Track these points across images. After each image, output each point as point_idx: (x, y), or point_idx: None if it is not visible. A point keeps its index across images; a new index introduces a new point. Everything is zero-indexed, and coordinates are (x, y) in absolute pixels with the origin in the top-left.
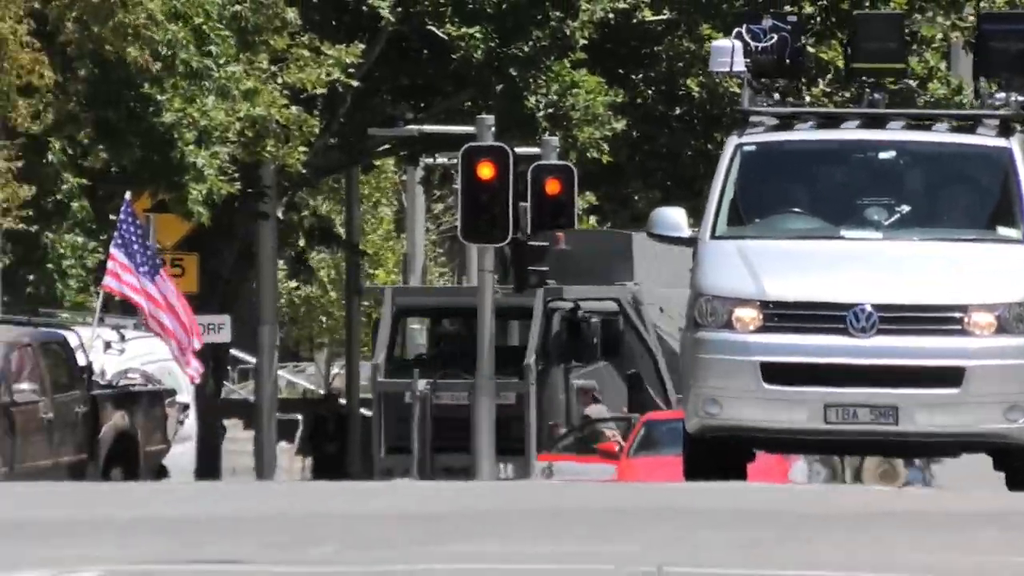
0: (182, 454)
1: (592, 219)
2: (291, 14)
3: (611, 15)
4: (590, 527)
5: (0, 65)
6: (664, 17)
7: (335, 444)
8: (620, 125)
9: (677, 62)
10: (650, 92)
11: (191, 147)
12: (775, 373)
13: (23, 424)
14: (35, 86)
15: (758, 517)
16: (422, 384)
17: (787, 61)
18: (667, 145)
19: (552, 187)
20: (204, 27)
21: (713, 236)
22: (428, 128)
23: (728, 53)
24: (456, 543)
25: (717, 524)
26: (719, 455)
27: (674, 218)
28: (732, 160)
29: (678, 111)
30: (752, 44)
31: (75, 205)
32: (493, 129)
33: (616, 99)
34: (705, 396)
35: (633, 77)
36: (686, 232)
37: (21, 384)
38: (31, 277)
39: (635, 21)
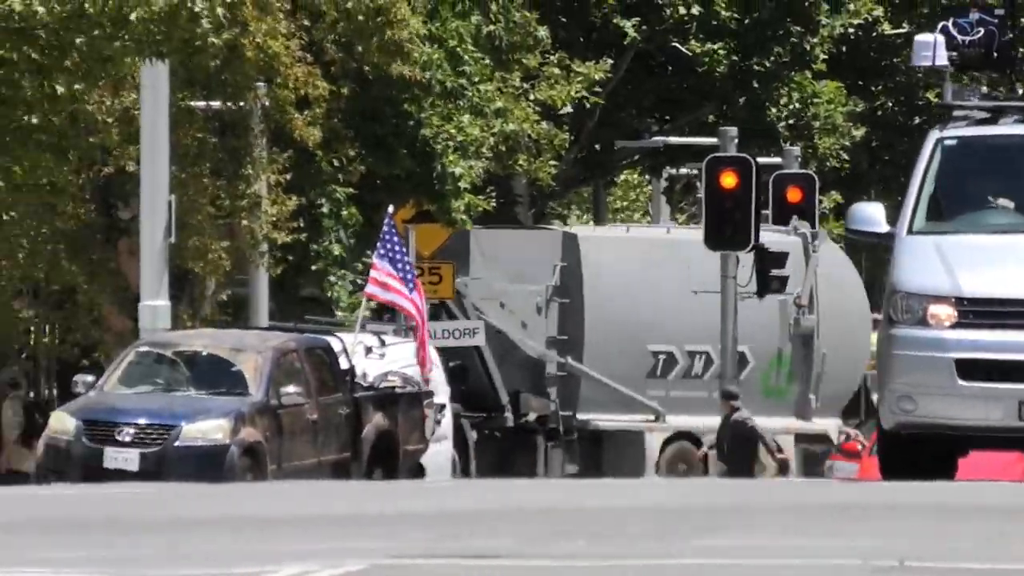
0: (439, 453)
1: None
2: (542, 32)
3: (850, 29)
4: (834, 523)
5: (274, 80)
6: (903, 30)
7: None
8: (859, 134)
9: (916, 73)
10: (889, 103)
11: (451, 159)
12: (970, 370)
13: (290, 425)
14: (310, 97)
15: (997, 513)
16: None
17: (994, 54)
18: (906, 154)
19: (793, 195)
20: (458, 49)
21: (910, 232)
22: (673, 140)
23: (931, 47)
24: (703, 538)
25: (957, 519)
26: (915, 451)
27: (871, 213)
28: (932, 154)
29: (916, 120)
30: (959, 38)
31: (344, 213)
32: (736, 140)
33: (855, 108)
34: (900, 392)
35: (872, 89)
36: (883, 228)
37: (288, 387)
38: (301, 282)
39: (874, 34)
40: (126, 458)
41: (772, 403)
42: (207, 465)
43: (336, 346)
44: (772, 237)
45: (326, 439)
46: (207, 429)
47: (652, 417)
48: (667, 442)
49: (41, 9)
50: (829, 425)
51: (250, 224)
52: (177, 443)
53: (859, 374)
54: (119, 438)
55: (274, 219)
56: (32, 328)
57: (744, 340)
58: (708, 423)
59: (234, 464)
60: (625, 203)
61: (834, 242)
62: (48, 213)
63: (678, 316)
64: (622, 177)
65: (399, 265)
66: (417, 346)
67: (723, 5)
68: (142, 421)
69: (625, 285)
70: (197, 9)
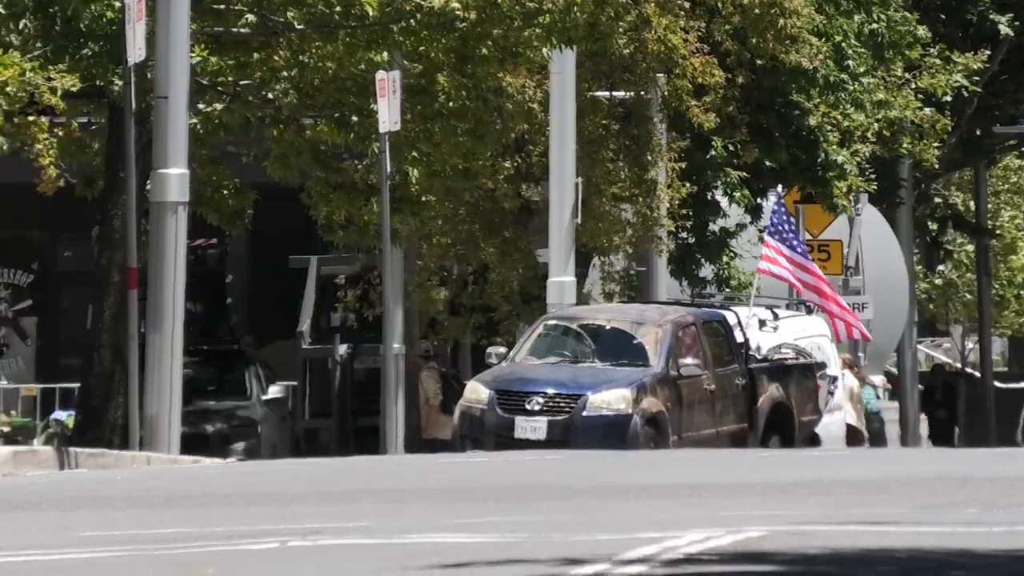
0: (831, 423)
1: None
2: (921, 31)
3: None
4: None
5: (673, 70)
6: None
7: (943, 411)
8: None
9: None
10: None
11: (834, 147)
12: None
13: (689, 396)
14: (707, 85)
15: None
16: (343, 350)
17: None
18: None
19: None
20: (843, 44)
21: None
22: None
23: None
24: None
25: None
26: None
27: None
28: None
29: None
30: None
31: (736, 195)
32: None
33: None
34: None
35: None
36: None
37: (686, 359)
38: (698, 258)
39: None
40: (535, 427)
41: None
42: (611, 434)
43: (731, 319)
44: None
45: (723, 409)
46: (611, 399)
47: None
48: None
49: (457, 4)
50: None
51: (644, 209)
52: (584, 413)
53: (899, 332)
54: (528, 407)
55: (668, 205)
56: (443, 307)
57: None
58: None
59: (637, 433)
60: (1006, 185)
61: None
62: (469, 193)
63: None
64: (1004, 161)
65: (789, 241)
66: (836, 317)
67: None
68: (550, 391)
69: None
70: None
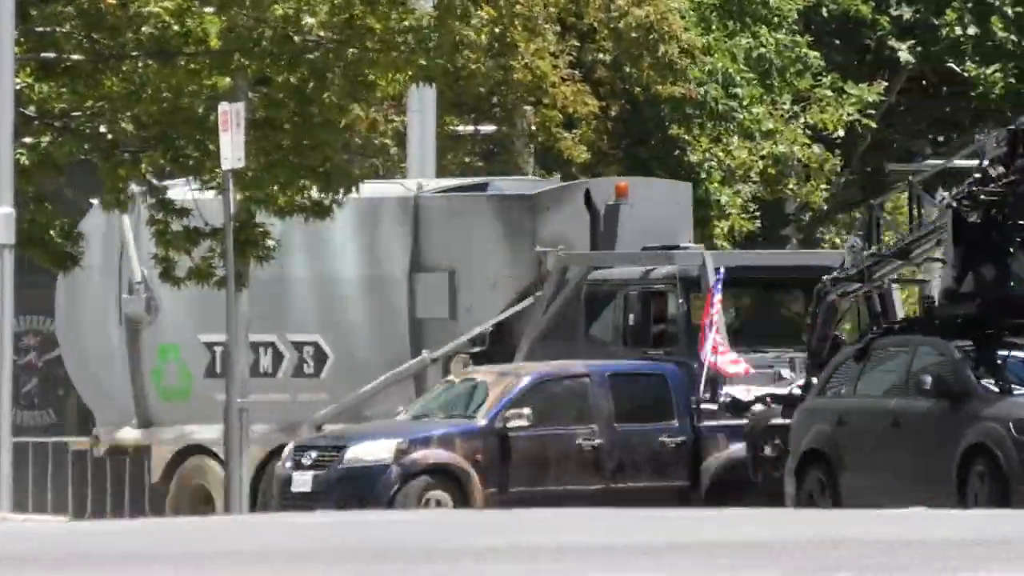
0: None
1: None
2: (814, 57)
3: None
4: None
5: (542, 100)
6: None
7: None
8: None
9: None
10: None
11: (716, 185)
12: None
13: (528, 451)
14: (579, 115)
15: None
16: None
17: None
18: None
19: None
20: (730, 69)
21: None
22: (947, 163)
23: None
24: None
25: None
26: None
27: None
28: None
29: None
30: None
31: None
32: None
33: None
34: None
35: None
36: None
37: (511, 412)
38: None
39: None
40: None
41: None
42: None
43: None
44: None
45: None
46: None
47: None
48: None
49: (311, 20)
50: None
51: None
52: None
53: None
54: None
55: None
56: None
57: None
58: None
59: (391, 483)
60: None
61: None
62: None
63: None
64: (896, 200)
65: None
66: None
67: (1001, 26)
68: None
69: None
70: (463, 36)
